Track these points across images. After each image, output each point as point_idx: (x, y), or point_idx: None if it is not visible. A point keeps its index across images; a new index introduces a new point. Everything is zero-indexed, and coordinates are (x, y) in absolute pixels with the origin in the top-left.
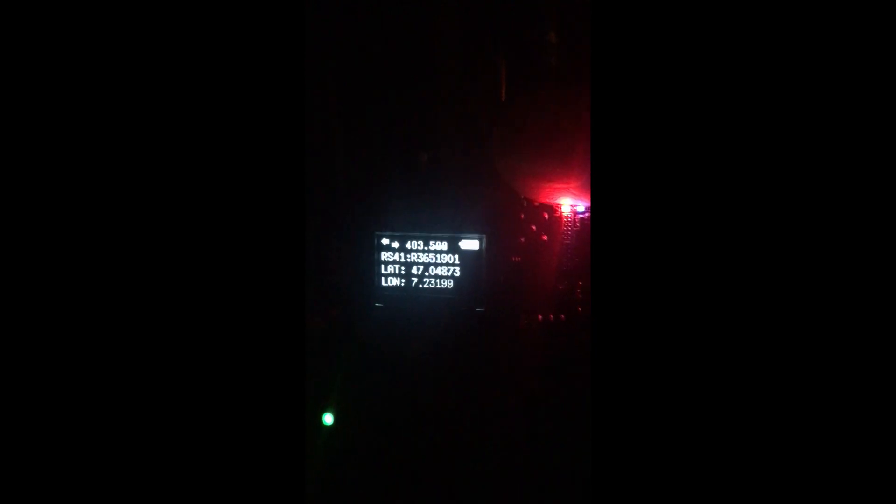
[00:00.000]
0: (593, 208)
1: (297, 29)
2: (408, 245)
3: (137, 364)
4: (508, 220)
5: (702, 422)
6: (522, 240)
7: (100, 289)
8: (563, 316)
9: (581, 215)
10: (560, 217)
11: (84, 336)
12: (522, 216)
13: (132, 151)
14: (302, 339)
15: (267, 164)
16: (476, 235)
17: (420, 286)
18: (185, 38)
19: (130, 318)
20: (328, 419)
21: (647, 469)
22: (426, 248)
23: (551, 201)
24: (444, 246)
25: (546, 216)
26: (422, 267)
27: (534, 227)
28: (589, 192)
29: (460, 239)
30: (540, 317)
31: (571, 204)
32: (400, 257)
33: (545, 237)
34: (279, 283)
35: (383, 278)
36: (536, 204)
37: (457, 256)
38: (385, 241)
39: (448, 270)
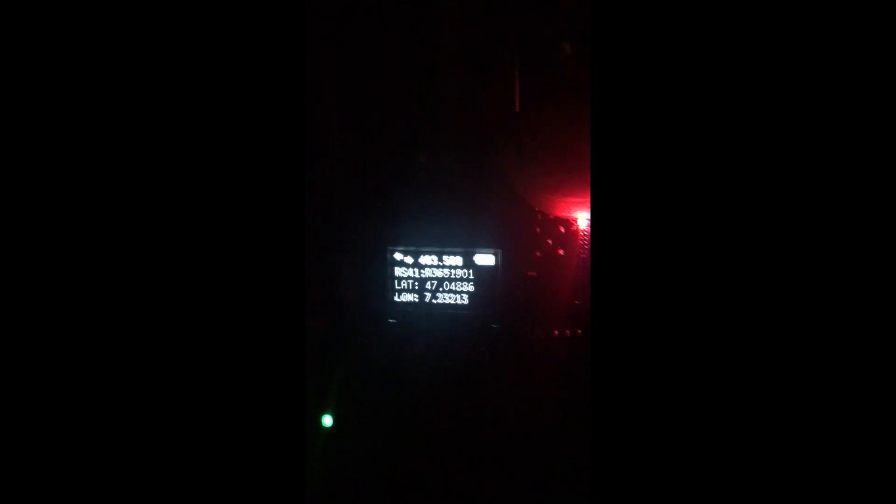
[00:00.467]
0: (593, 223)
1: (299, 38)
2: (421, 260)
3: (138, 365)
4: (524, 235)
5: (714, 434)
6: (538, 254)
7: (98, 291)
8: (579, 331)
9: None
10: (577, 231)
11: (83, 339)
12: (538, 230)
13: (130, 158)
14: (302, 341)
15: (268, 168)
16: (491, 250)
17: (434, 301)
18: (185, 43)
19: (132, 319)
20: (327, 421)
21: (653, 479)
22: (440, 263)
23: (567, 215)
24: (458, 261)
25: (562, 230)
26: (436, 282)
27: (550, 242)
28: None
29: (475, 253)
30: (556, 332)
31: (587, 218)
32: (413, 272)
33: (561, 251)
34: (279, 286)
35: (396, 293)
36: (552, 217)
37: (471, 271)
38: (398, 256)
39: (463, 285)
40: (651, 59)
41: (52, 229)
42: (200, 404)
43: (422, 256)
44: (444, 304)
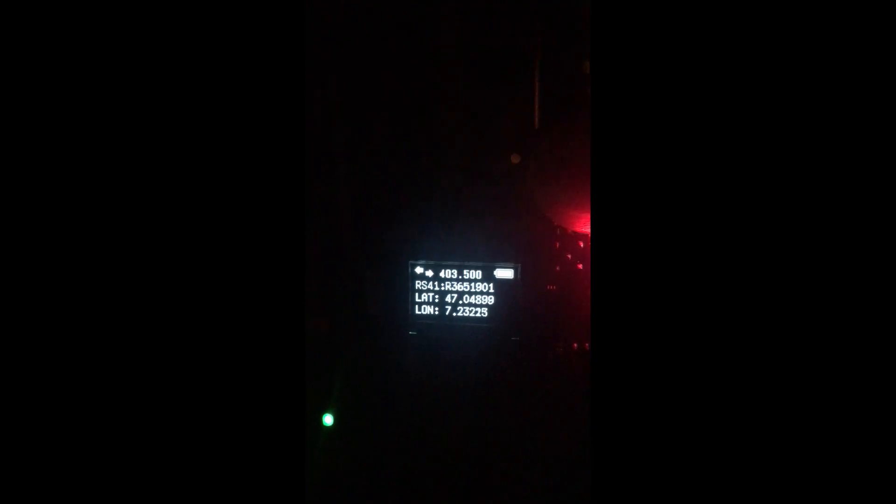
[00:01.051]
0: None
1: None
2: (442, 273)
3: (144, 366)
4: (543, 249)
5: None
6: (558, 268)
7: (113, 295)
8: None
9: None
10: None
11: (92, 341)
12: (557, 245)
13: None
14: (302, 344)
15: (275, 179)
16: (511, 264)
17: (454, 314)
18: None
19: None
20: (328, 420)
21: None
22: (460, 277)
23: (586, 230)
24: (478, 274)
25: (581, 245)
26: (456, 295)
27: (569, 256)
28: None
29: (495, 267)
30: (575, 345)
31: None
32: (434, 286)
33: (581, 266)
34: (280, 290)
35: (417, 306)
36: (571, 233)
37: (491, 285)
38: (419, 270)
39: (482, 299)
40: (652, 78)
41: (53, 229)
42: (204, 404)
43: (442, 270)
44: (464, 318)
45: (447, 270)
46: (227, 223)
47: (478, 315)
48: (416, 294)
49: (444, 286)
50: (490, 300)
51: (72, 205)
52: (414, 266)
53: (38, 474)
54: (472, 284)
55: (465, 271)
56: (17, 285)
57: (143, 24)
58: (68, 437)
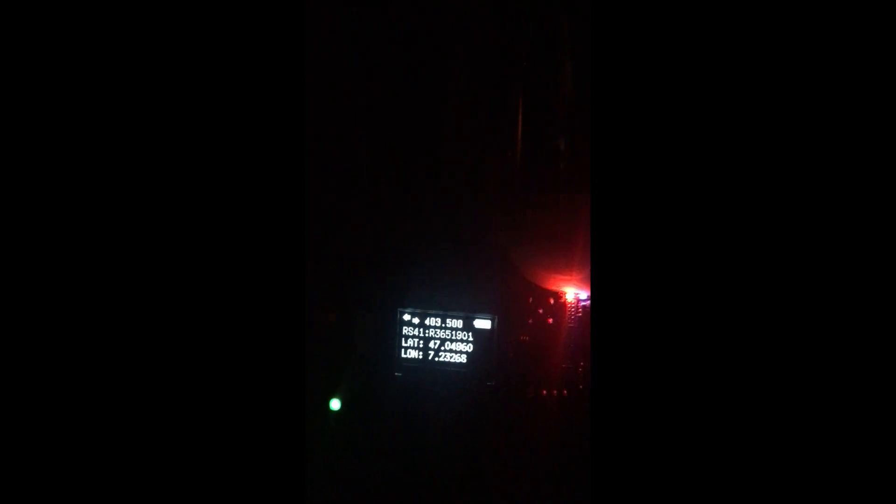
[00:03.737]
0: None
1: (299, 116)
2: (427, 321)
3: (148, 364)
4: (518, 303)
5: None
6: (530, 321)
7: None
8: (565, 391)
9: (583, 302)
10: (564, 303)
11: (97, 335)
12: (531, 300)
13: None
14: (302, 343)
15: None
16: (489, 315)
17: (436, 359)
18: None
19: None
20: (335, 405)
21: None
22: (443, 325)
23: (557, 288)
24: (459, 324)
25: (552, 301)
26: (438, 342)
27: (541, 311)
28: (589, 283)
29: (474, 318)
30: (545, 391)
31: (575, 292)
32: (419, 332)
33: (551, 320)
34: (282, 291)
35: (403, 350)
36: (544, 290)
37: (471, 334)
38: (406, 317)
39: (462, 346)
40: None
41: (54, 223)
42: (203, 399)
43: (427, 318)
44: (444, 363)
45: (432, 318)
46: (232, 227)
47: (457, 361)
48: (403, 339)
49: (429, 333)
50: (469, 347)
51: (73, 208)
52: (402, 313)
53: (37, 467)
54: (454, 332)
55: (448, 320)
56: (16, 284)
57: (145, 25)
58: (70, 427)
